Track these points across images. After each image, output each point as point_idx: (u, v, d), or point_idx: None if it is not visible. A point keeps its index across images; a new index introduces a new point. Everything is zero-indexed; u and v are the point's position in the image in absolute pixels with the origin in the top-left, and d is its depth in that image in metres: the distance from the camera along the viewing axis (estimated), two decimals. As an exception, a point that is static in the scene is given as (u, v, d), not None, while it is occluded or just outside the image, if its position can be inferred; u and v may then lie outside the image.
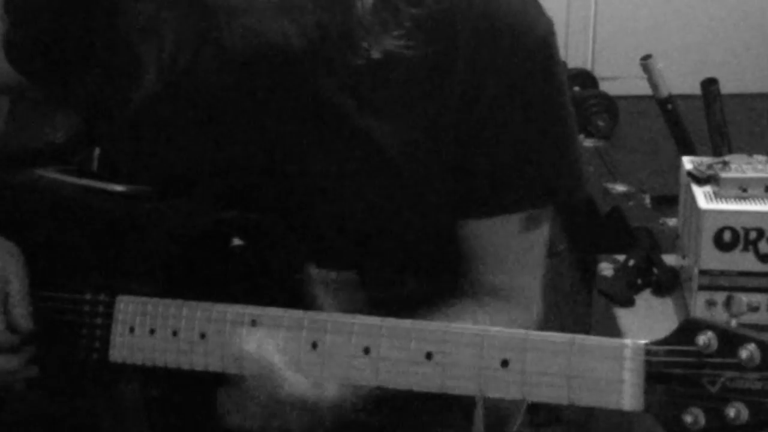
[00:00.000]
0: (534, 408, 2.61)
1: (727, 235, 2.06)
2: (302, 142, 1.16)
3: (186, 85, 1.16)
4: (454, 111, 1.13)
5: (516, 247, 1.20)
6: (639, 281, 2.32)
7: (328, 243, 1.18)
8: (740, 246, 2.06)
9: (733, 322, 0.95)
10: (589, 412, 2.55)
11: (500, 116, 1.13)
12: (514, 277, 1.21)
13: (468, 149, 1.14)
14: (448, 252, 1.21)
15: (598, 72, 4.49)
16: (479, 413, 1.37)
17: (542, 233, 1.22)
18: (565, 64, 4.24)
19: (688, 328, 0.94)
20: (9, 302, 1.17)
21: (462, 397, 1.32)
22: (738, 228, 2.06)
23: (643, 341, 0.96)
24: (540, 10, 1.16)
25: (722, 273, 2.06)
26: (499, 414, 1.50)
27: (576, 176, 1.19)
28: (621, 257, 2.40)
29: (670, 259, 2.36)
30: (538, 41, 1.13)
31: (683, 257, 2.26)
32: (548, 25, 1.15)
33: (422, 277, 1.23)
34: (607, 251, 2.50)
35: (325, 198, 1.16)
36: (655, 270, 2.33)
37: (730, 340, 0.93)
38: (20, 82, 1.30)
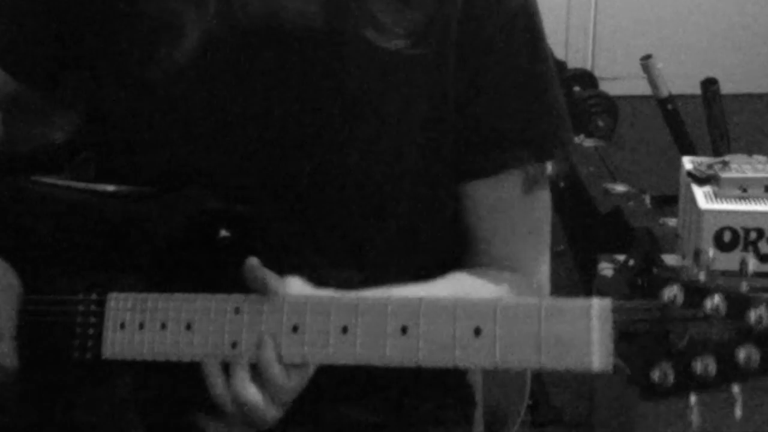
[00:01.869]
0: (534, 408, 2.61)
1: (727, 235, 2.06)
2: (314, 118, 1.16)
3: (199, 62, 1.16)
4: (451, 69, 1.16)
5: (518, 210, 1.21)
6: (639, 281, 2.32)
7: (329, 229, 1.18)
8: (740, 246, 2.06)
9: (702, 276, 0.94)
10: (590, 413, 2.55)
11: (488, 74, 1.17)
12: (518, 246, 1.21)
13: (462, 109, 1.17)
14: (450, 232, 1.22)
15: (598, 72, 4.49)
16: (479, 413, 1.37)
17: (543, 198, 1.23)
18: (565, 64, 4.27)
19: (654, 284, 0.94)
20: None
21: (462, 396, 1.33)
22: (738, 228, 2.06)
23: (609, 299, 0.95)
24: None
25: (722, 273, 2.05)
26: (499, 414, 1.50)
27: (565, 128, 1.22)
28: (621, 257, 2.40)
29: (670, 259, 2.36)
30: (519, 3, 1.17)
31: (683, 257, 2.26)
32: None
33: (423, 267, 1.23)
34: (607, 251, 2.51)
35: (332, 178, 1.17)
36: (654, 270, 2.33)
37: (695, 293, 0.92)
38: (13, 91, 1.29)
